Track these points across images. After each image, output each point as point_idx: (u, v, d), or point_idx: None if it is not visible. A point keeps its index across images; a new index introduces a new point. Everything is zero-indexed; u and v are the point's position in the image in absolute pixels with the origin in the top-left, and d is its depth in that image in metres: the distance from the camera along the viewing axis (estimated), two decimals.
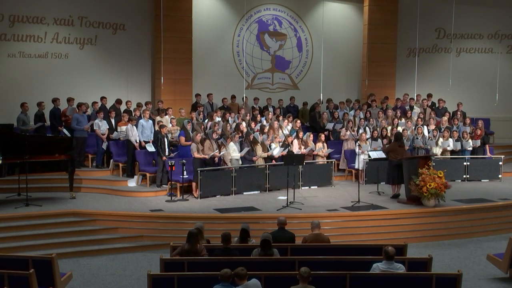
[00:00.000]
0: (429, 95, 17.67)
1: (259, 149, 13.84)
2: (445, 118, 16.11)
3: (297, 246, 8.59)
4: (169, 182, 12.84)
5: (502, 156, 15.74)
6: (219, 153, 13.21)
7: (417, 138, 14.97)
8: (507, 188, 14.14)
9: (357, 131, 15.37)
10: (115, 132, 13.92)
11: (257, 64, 18.04)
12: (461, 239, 11.60)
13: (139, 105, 15.14)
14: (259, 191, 13.47)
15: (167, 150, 13.15)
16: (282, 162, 13.21)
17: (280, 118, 15.49)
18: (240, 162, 13.57)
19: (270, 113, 15.86)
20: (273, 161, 13.96)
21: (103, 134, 13.89)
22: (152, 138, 13.76)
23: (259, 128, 14.59)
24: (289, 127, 15.29)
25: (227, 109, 16.06)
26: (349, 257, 8.03)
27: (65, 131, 13.96)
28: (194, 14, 16.69)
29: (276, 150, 14.07)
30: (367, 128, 15.51)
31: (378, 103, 17.33)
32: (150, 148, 13.53)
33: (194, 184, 12.82)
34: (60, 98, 14.61)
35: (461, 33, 19.18)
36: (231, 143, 13.53)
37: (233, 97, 16.87)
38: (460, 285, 7.36)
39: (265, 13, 18.07)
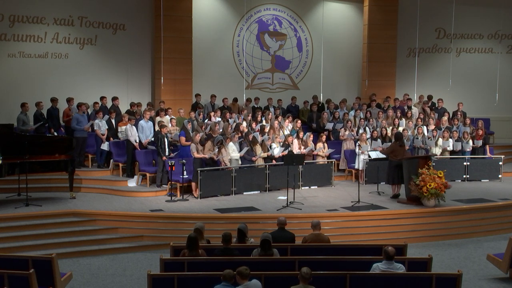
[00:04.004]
0: (430, 97, 17.67)
1: (258, 149, 13.84)
2: (445, 118, 16.12)
3: (297, 246, 8.59)
4: (169, 182, 12.84)
5: (502, 156, 15.74)
6: (216, 156, 13.16)
7: (417, 138, 14.98)
8: (507, 188, 14.13)
9: (357, 131, 15.38)
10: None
11: (257, 64, 18.04)
12: (461, 239, 11.60)
13: (138, 105, 15.16)
14: (259, 191, 13.47)
15: (167, 150, 13.15)
16: (282, 162, 13.21)
17: (280, 118, 15.49)
18: (240, 162, 13.57)
19: (271, 113, 15.87)
20: (273, 161, 13.96)
21: (103, 135, 13.89)
22: (151, 139, 13.76)
23: (259, 128, 14.59)
24: (290, 127, 15.30)
25: (228, 109, 16.06)
26: (349, 257, 8.03)
27: (55, 134, 13.96)
28: (194, 14, 16.69)
29: (277, 150, 14.07)
30: (367, 128, 15.51)
31: (381, 102, 17.31)
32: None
33: (194, 184, 12.82)
34: (61, 98, 14.63)
35: (461, 33, 19.19)
36: (231, 143, 13.53)
37: (235, 100, 16.90)
38: (460, 285, 7.36)
39: (265, 13, 18.07)
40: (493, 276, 9.48)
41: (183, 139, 13.92)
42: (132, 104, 15.14)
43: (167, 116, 14.64)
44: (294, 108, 17.33)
